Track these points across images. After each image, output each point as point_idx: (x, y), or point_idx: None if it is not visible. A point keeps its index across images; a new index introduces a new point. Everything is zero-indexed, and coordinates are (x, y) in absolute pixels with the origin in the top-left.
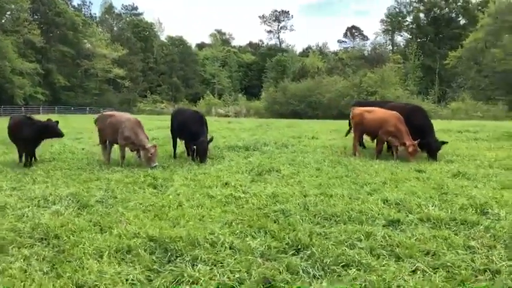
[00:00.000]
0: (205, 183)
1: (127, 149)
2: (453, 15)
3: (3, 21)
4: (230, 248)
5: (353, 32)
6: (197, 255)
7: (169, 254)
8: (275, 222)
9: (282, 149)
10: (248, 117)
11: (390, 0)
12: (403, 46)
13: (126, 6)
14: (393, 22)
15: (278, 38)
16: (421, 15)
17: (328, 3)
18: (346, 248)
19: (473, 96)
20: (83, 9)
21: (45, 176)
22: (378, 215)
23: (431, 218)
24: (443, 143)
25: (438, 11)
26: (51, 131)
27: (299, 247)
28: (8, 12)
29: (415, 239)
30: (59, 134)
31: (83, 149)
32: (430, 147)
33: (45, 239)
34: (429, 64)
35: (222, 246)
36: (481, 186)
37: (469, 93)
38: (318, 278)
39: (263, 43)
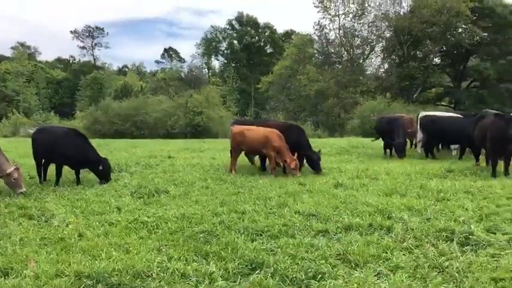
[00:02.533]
0: (94, 209)
1: None
2: (262, 44)
3: None
4: (184, 276)
5: (170, 53)
6: (153, 286)
7: None
8: (207, 243)
9: (150, 169)
10: None
11: (202, 26)
12: (220, 70)
13: None
14: (209, 47)
15: (92, 54)
16: (235, 41)
17: (141, 22)
18: (304, 260)
19: (285, 117)
20: None
21: None
22: (304, 226)
23: (353, 225)
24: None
25: (249, 39)
26: None
27: (254, 265)
28: None
29: (357, 246)
30: None
31: None
32: (311, 158)
33: None
34: (244, 87)
35: (173, 274)
36: (367, 195)
37: (282, 114)
38: None
39: (75, 59)
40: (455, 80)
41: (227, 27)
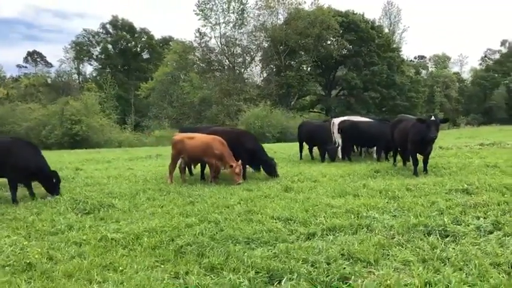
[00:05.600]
0: (42, 230)
1: None
2: (138, 49)
3: None
4: None
5: (35, 57)
6: None
7: None
8: (202, 256)
9: (67, 182)
10: None
11: (66, 29)
12: (94, 75)
13: None
14: (81, 51)
15: None
16: (110, 46)
17: None
18: (320, 263)
19: (171, 125)
20: None
21: None
22: (289, 231)
23: (337, 226)
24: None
25: (125, 43)
26: None
27: (271, 273)
28: None
29: (356, 246)
30: None
31: None
32: (267, 164)
33: None
34: (121, 94)
35: None
36: (322, 197)
37: (168, 121)
38: None
39: None
40: (325, 88)
41: (101, 30)
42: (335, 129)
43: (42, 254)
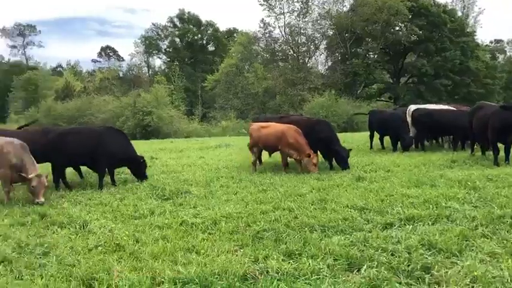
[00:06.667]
0: (126, 214)
1: None
2: (204, 41)
3: None
4: (288, 274)
5: (107, 51)
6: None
7: None
8: (279, 241)
9: None
10: None
11: (135, 24)
12: (162, 68)
13: None
14: (151, 44)
15: (24, 54)
16: (177, 39)
17: (72, 21)
18: (400, 252)
19: (236, 115)
20: None
21: None
22: (365, 220)
23: (415, 216)
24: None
25: (192, 36)
26: None
27: (350, 261)
28: None
29: (437, 236)
30: None
31: None
32: (340, 154)
33: None
34: (189, 86)
35: (277, 273)
36: (397, 187)
37: (233, 112)
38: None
39: (3, 58)
40: (394, 76)
41: (168, 24)
42: (410, 118)
43: (129, 236)
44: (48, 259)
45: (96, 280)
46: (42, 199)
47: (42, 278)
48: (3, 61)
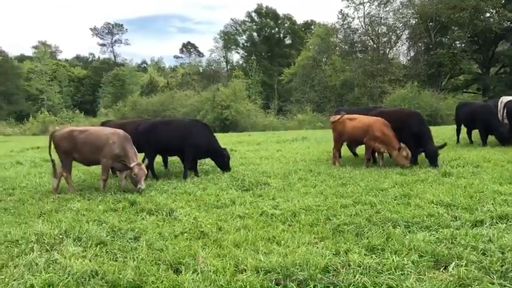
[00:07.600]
0: (208, 203)
1: None
2: (281, 35)
3: None
4: (371, 268)
5: (188, 48)
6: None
7: None
8: (361, 235)
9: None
10: None
11: (213, 20)
12: (240, 63)
13: None
14: (229, 40)
15: (112, 51)
16: (255, 34)
17: (154, 19)
18: (492, 252)
19: (312, 109)
20: None
21: None
22: (452, 217)
23: (509, 215)
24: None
25: (269, 30)
26: None
27: (436, 258)
28: None
29: None
30: None
31: None
32: (430, 151)
33: None
34: (265, 80)
35: (359, 267)
36: (487, 183)
37: (310, 106)
38: None
39: (94, 56)
40: (483, 66)
41: (246, 19)
42: (502, 110)
43: (212, 224)
44: (138, 243)
45: (183, 265)
46: (143, 185)
47: (134, 261)
48: (94, 59)
